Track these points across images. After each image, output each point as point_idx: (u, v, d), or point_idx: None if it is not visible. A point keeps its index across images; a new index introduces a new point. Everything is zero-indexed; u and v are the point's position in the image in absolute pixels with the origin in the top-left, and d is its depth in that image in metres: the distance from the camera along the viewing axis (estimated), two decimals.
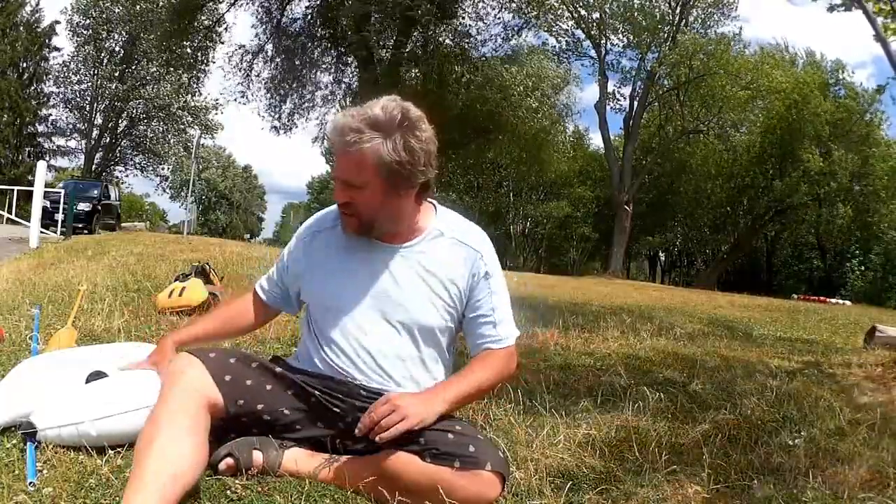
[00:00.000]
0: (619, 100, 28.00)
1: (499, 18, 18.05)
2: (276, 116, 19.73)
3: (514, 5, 17.44)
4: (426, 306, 1.50)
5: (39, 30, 29.33)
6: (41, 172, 9.02)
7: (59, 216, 12.52)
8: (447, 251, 1.52)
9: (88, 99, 29.95)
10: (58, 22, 29.03)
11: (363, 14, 15.78)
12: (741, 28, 36.32)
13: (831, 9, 4.25)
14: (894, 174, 26.15)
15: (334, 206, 1.64)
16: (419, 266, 1.51)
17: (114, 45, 29.34)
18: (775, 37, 63.00)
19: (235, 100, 19.12)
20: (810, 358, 4.03)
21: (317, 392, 1.47)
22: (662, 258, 41.12)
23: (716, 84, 23.10)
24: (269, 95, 19.37)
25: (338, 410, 1.46)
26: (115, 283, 4.23)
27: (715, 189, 29.63)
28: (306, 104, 20.08)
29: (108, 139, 30.90)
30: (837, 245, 30.20)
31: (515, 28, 18.48)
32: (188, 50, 18.32)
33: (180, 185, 40.57)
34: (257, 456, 1.43)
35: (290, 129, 20.04)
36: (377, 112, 1.37)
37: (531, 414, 2.16)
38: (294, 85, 19.21)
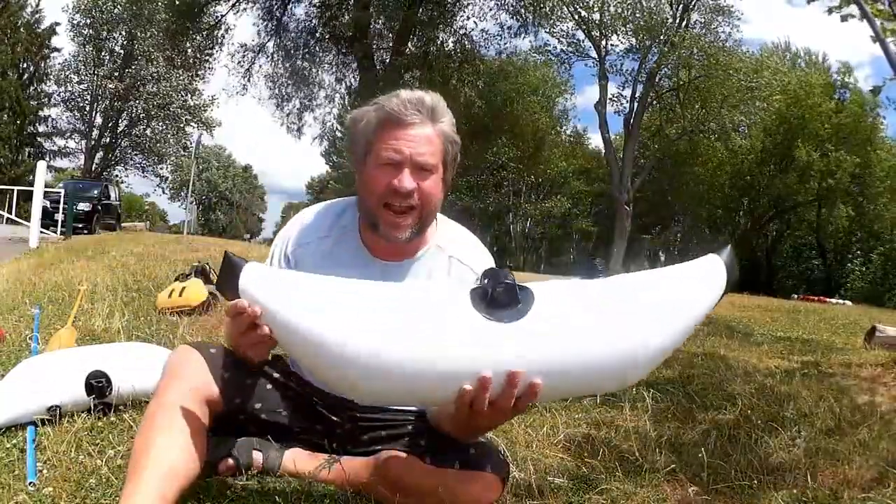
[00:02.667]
0: (619, 101, 28.01)
1: (497, 19, 18.04)
2: (285, 116, 19.66)
3: (513, 7, 17.43)
4: None
5: (40, 30, 29.31)
6: (41, 172, 9.02)
7: (59, 216, 12.50)
8: (444, 271, 1.40)
9: (88, 99, 29.89)
10: (58, 23, 29.04)
11: (364, 18, 15.78)
12: (741, 31, 36.24)
13: (830, 11, 4.25)
14: (894, 174, 26.12)
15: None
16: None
17: (114, 44, 29.32)
18: (778, 36, 62.93)
19: (238, 93, 19.05)
20: (810, 358, 4.03)
21: (315, 398, 1.46)
22: (662, 257, 41.07)
23: (716, 84, 23.09)
24: (270, 93, 19.32)
25: (336, 419, 1.45)
26: (115, 283, 4.23)
27: (715, 189, 29.61)
28: (307, 103, 20.02)
29: (108, 139, 30.85)
30: (837, 245, 30.18)
31: (516, 29, 18.46)
32: (189, 51, 18.27)
33: (180, 185, 40.52)
34: (257, 456, 1.41)
35: (301, 128, 19.96)
36: (435, 96, 1.32)
37: (531, 414, 2.15)
38: (295, 84, 19.15)
